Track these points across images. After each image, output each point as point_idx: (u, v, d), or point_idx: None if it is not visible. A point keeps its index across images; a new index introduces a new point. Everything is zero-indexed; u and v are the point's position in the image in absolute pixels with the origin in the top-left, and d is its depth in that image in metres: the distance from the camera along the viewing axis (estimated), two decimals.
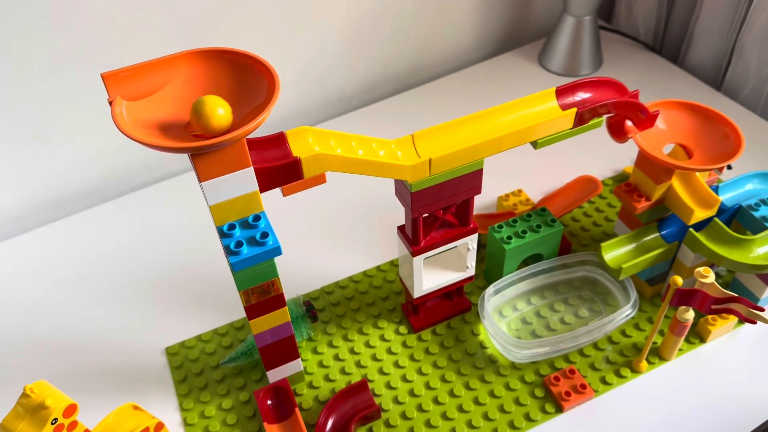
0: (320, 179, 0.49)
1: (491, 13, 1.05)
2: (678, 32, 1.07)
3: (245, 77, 0.43)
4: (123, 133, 0.39)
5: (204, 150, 0.40)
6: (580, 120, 0.58)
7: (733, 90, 0.98)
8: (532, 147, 0.58)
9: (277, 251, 0.46)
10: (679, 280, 0.56)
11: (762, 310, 0.55)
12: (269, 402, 0.62)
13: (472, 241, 0.64)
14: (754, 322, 0.57)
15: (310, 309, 0.69)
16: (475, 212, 0.80)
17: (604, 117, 0.60)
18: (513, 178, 0.85)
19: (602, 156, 0.87)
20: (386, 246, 0.78)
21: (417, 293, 0.66)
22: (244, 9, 0.84)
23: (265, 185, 0.45)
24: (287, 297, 0.70)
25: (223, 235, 0.45)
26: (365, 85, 1.02)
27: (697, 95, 0.98)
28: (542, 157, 0.88)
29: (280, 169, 0.45)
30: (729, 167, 0.82)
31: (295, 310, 0.68)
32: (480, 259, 0.76)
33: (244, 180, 0.43)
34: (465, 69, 1.05)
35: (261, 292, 0.53)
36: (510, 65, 1.06)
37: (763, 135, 0.91)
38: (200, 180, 0.42)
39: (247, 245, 0.44)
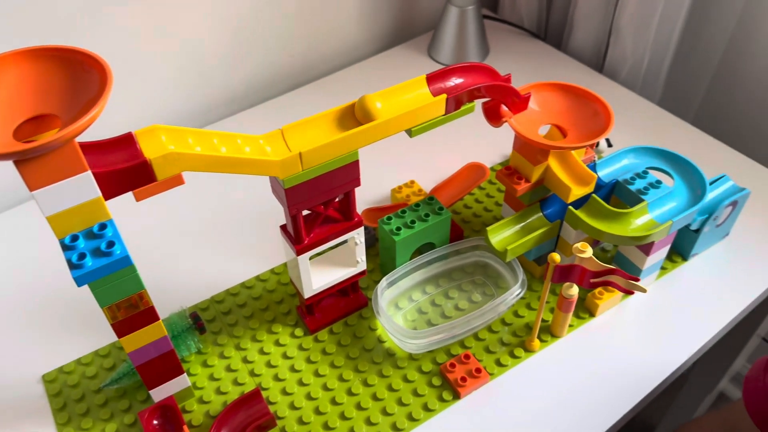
0: (177, 180, 0.46)
1: (377, 8, 1.05)
2: (559, 18, 1.10)
3: (77, 74, 0.40)
4: None
5: (26, 155, 0.36)
6: (454, 105, 0.58)
7: (613, 71, 1.02)
8: (408, 135, 0.58)
9: (126, 261, 0.43)
10: (557, 257, 0.57)
11: (637, 280, 0.57)
12: (155, 422, 0.58)
13: (359, 235, 0.63)
14: (632, 293, 0.58)
15: (197, 320, 0.65)
16: (369, 206, 0.79)
17: (478, 102, 0.60)
18: (406, 170, 0.85)
19: (492, 142, 0.88)
20: (279, 247, 0.76)
21: (307, 293, 0.64)
22: (113, 8, 0.79)
23: (111, 191, 0.42)
24: (172, 310, 0.66)
25: (65, 248, 0.41)
26: (256, 84, 0.99)
27: (581, 78, 1.01)
28: (434, 146, 0.88)
29: (127, 172, 0.42)
30: (610, 144, 0.85)
31: (179, 323, 0.64)
32: (375, 254, 0.75)
33: (82, 186, 0.40)
34: (356, 64, 1.04)
35: (129, 307, 0.50)
36: (400, 58, 1.05)
37: (642, 112, 0.95)
38: (30, 189, 0.38)
39: (91, 257, 0.41)
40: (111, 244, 0.41)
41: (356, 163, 0.56)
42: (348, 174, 0.56)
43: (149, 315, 0.52)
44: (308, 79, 1.03)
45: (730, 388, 1.40)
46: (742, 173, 0.82)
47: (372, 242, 0.75)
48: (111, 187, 0.42)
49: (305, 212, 0.58)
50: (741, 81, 0.99)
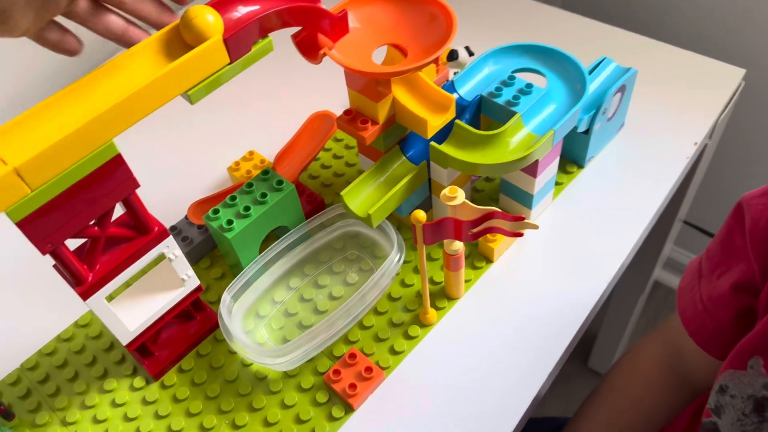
0: None
1: None
2: None
3: None
4: None
5: None
6: (242, 47, 0.42)
7: None
8: (188, 102, 0.42)
9: None
10: (421, 215, 0.43)
11: (522, 219, 0.44)
12: None
13: (170, 248, 0.47)
14: (521, 235, 0.47)
15: None
16: (200, 197, 0.63)
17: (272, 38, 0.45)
18: (242, 141, 0.69)
19: (332, 85, 0.73)
20: None
21: (125, 339, 0.48)
22: None
23: None
24: None
25: None
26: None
27: None
28: (269, 108, 0.72)
29: None
30: (471, 53, 0.72)
31: None
32: (220, 255, 0.60)
33: None
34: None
35: None
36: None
37: (486, 8, 0.81)
38: None
39: None
40: None
41: (119, 159, 0.40)
42: (113, 176, 0.40)
43: None
44: None
45: (663, 275, 1.37)
46: (623, 50, 0.71)
47: (212, 242, 0.60)
48: None
49: (75, 242, 0.42)
50: None
